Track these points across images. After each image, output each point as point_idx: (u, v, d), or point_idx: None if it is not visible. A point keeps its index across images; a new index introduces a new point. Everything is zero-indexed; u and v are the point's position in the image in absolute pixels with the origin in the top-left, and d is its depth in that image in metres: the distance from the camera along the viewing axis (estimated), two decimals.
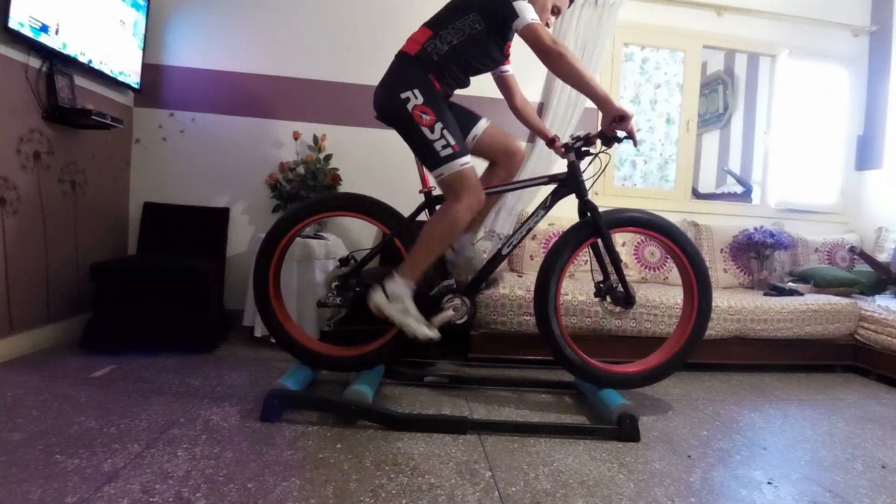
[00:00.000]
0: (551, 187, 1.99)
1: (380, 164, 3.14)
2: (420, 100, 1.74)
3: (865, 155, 3.66)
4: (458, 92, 1.93)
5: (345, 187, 3.04)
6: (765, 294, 2.91)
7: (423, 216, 1.95)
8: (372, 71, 1.92)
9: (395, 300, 1.75)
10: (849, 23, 3.59)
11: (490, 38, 1.80)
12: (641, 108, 4.67)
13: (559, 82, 3.12)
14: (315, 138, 3.04)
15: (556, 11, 1.91)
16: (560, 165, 2.00)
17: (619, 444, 1.72)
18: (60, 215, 2.45)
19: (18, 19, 1.99)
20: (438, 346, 2.51)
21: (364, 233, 3.16)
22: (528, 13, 1.69)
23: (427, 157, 1.78)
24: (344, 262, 1.97)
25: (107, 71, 2.55)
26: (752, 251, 3.25)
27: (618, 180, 4.47)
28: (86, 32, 2.38)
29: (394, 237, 1.91)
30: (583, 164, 1.96)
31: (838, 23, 3.57)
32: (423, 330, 1.76)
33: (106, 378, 2.03)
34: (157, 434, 1.57)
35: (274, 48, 3.12)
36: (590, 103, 3.14)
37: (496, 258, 1.96)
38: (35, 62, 2.21)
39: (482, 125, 1.97)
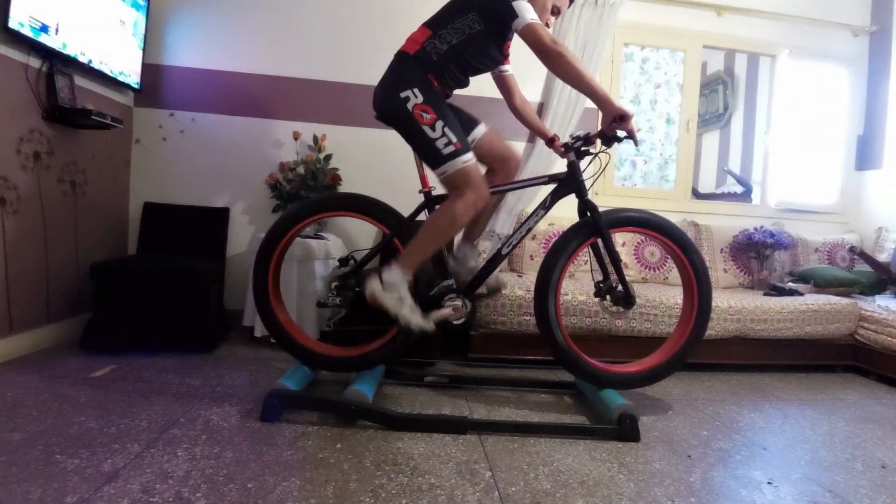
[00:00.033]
0: (551, 187, 1.99)
1: (380, 164, 3.15)
2: (420, 98, 1.74)
3: (865, 155, 3.66)
4: (457, 92, 1.93)
5: (345, 187, 3.04)
6: (765, 294, 2.91)
7: (422, 216, 1.95)
8: (372, 71, 1.92)
9: (391, 289, 1.75)
10: (849, 23, 3.59)
11: (489, 38, 1.80)
12: (641, 108, 4.67)
13: (559, 82, 3.12)
14: (315, 138, 3.04)
15: (555, 12, 1.91)
16: (560, 165, 2.00)
17: (619, 444, 1.72)
18: (60, 215, 2.45)
19: (18, 19, 1.99)
20: (439, 346, 2.53)
21: (364, 233, 3.16)
22: (528, 13, 1.69)
23: (429, 155, 1.77)
24: (343, 262, 1.97)
25: (107, 71, 2.55)
26: (752, 251, 3.25)
27: (618, 180, 4.47)
28: (86, 32, 2.38)
29: (393, 237, 1.91)
30: (582, 163, 1.96)
31: (838, 23, 3.57)
32: (417, 319, 1.76)
33: (106, 378, 2.03)
34: (157, 434, 1.57)
35: (274, 48, 3.12)
36: (590, 103, 3.14)
37: (496, 258, 1.96)
38: (35, 62, 2.21)
39: (480, 130, 1.97)
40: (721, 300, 2.62)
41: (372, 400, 1.83)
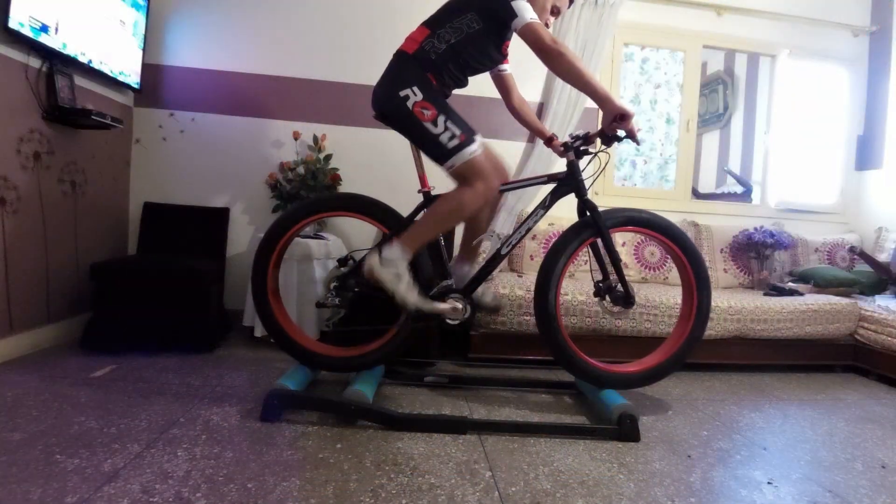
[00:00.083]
0: (551, 187, 1.99)
1: (380, 164, 3.15)
2: (419, 96, 1.73)
3: (865, 155, 3.66)
4: (456, 92, 1.93)
5: (345, 187, 3.04)
6: (765, 294, 2.91)
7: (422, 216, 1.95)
8: (372, 71, 1.92)
9: (389, 264, 1.74)
10: (849, 23, 3.60)
11: (488, 38, 1.79)
12: (641, 108, 4.67)
13: (559, 82, 3.12)
14: (315, 138, 3.04)
15: (555, 12, 1.91)
16: (560, 165, 2.00)
17: (619, 444, 1.72)
18: (60, 215, 2.45)
19: (18, 19, 1.99)
20: (438, 346, 2.53)
21: (364, 233, 3.16)
22: (527, 12, 1.68)
23: (434, 151, 1.76)
24: (342, 262, 1.97)
25: (107, 71, 2.55)
26: (752, 251, 3.25)
27: (618, 180, 4.47)
28: (86, 32, 2.38)
29: (393, 237, 1.91)
30: (582, 163, 1.96)
31: (838, 23, 3.57)
32: (414, 297, 1.76)
33: (106, 378, 2.03)
34: (157, 434, 1.57)
35: (274, 48, 3.12)
36: (590, 103, 3.14)
37: (495, 258, 1.96)
38: (35, 62, 2.21)
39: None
40: (721, 300, 2.63)
41: (372, 400, 1.82)
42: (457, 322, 1.88)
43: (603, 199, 3.33)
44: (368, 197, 1.95)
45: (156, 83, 3.04)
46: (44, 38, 2.12)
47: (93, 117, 2.33)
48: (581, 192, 1.93)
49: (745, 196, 4.11)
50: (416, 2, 2.34)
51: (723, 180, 4.88)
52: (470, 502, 1.32)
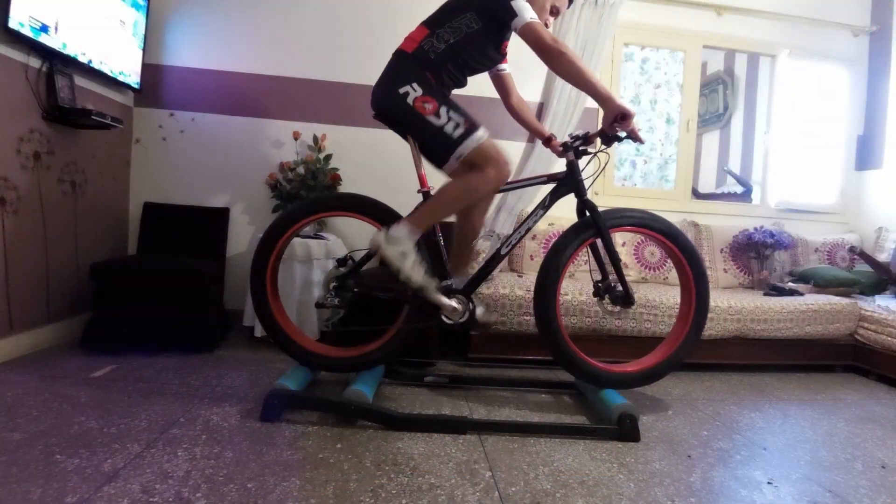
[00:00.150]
0: (551, 187, 1.99)
1: (380, 164, 3.14)
2: (419, 91, 1.73)
3: (865, 155, 3.66)
4: (455, 91, 1.93)
5: (345, 187, 3.04)
6: (765, 294, 2.91)
7: None
8: (372, 71, 1.92)
9: (396, 242, 1.74)
10: (849, 23, 3.60)
11: (487, 38, 1.79)
12: (641, 108, 4.66)
13: (559, 82, 3.12)
14: (315, 138, 3.04)
15: (554, 12, 1.91)
16: (560, 165, 2.00)
17: (619, 444, 1.72)
18: (60, 215, 2.45)
19: (18, 19, 1.99)
20: (439, 346, 2.53)
21: (364, 233, 3.16)
22: (527, 12, 1.68)
23: (441, 144, 1.74)
24: (342, 262, 1.96)
25: (107, 71, 2.55)
26: (752, 251, 3.25)
27: (618, 180, 4.47)
28: (86, 32, 2.38)
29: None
30: (582, 163, 1.96)
31: (838, 23, 3.57)
32: (419, 276, 1.75)
33: (106, 378, 2.03)
34: (157, 434, 1.57)
35: (274, 48, 3.12)
36: (590, 102, 3.16)
37: (495, 258, 1.96)
38: (35, 62, 2.21)
39: None
40: (721, 300, 2.63)
41: (372, 400, 1.83)
42: (457, 322, 1.88)
43: (603, 199, 3.33)
44: (368, 197, 1.95)
45: (156, 83, 3.04)
46: (44, 38, 2.12)
47: (93, 117, 2.33)
48: (581, 192, 1.93)
49: (745, 196, 4.11)
50: (416, 2, 2.34)
51: (723, 180, 4.88)
52: (470, 502, 1.32)
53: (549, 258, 1.94)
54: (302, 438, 1.62)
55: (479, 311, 1.91)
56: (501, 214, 3.09)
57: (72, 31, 2.28)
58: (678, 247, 1.99)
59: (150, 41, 2.94)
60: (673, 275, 3.11)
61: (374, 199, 1.94)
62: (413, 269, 1.74)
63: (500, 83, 2.07)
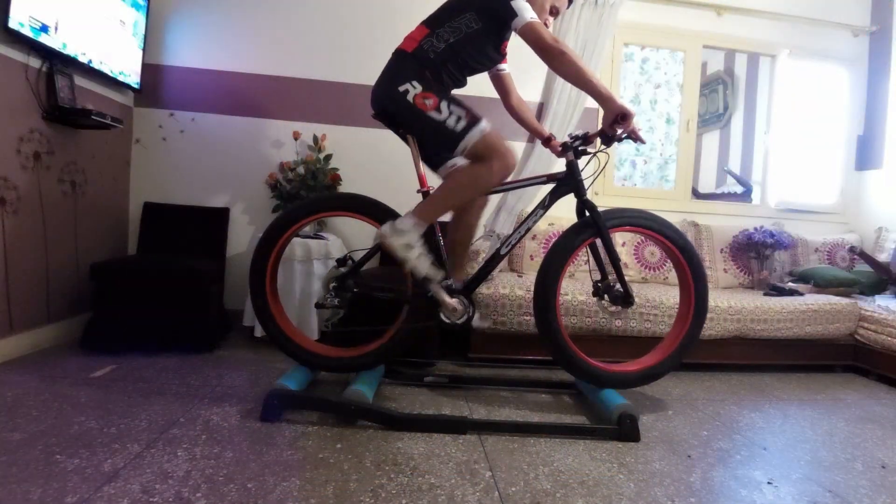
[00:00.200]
0: (551, 187, 1.99)
1: (380, 164, 3.14)
2: (419, 88, 1.73)
3: (865, 155, 3.66)
4: (455, 91, 1.93)
5: (345, 187, 3.04)
6: (765, 294, 2.91)
7: None
8: (372, 71, 1.92)
9: (401, 234, 1.74)
10: (849, 23, 3.60)
11: (487, 37, 1.79)
12: (641, 108, 4.66)
13: (559, 82, 3.12)
14: (315, 138, 3.04)
15: (554, 12, 1.91)
16: (560, 165, 2.00)
17: (619, 444, 1.72)
18: (60, 215, 2.45)
19: (18, 19, 1.99)
20: (439, 346, 2.53)
21: (364, 233, 3.16)
22: (527, 12, 1.68)
23: (443, 138, 1.73)
24: (341, 262, 1.96)
25: (107, 71, 2.55)
26: (752, 251, 3.25)
27: (618, 180, 4.46)
28: (86, 32, 2.38)
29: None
30: (581, 163, 1.96)
31: (838, 23, 3.57)
32: (425, 266, 1.76)
33: (106, 378, 2.03)
34: (157, 434, 1.57)
35: (274, 48, 3.12)
36: (590, 102, 3.16)
37: (495, 257, 1.96)
38: (35, 62, 2.21)
39: None
40: (721, 300, 2.63)
41: (372, 400, 1.83)
42: (456, 322, 1.88)
43: (603, 199, 3.33)
44: (368, 197, 1.95)
45: (156, 83, 3.04)
46: (44, 38, 2.12)
47: (93, 117, 2.33)
48: (580, 192, 1.93)
49: (745, 196, 4.11)
50: (416, 2, 2.34)
51: (723, 180, 4.88)
52: (470, 502, 1.32)
53: (548, 258, 1.94)
54: (302, 438, 1.62)
55: (475, 318, 1.92)
56: (501, 214, 3.09)
57: (72, 31, 2.28)
58: (677, 247, 1.99)
59: (150, 41, 2.94)
60: (673, 275, 3.10)
61: (373, 199, 1.94)
62: (419, 260, 1.74)
63: (500, 83, 2.07)
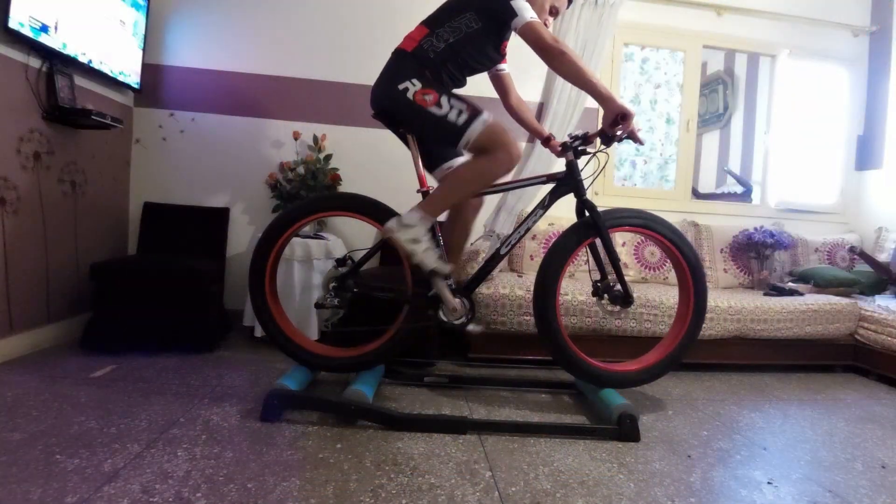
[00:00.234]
0: (551, 187, 1.98)
1: (380, 164, 3.15)
2: (419, 86, 1.73)
3: (865, 155, 3.66)
4: (454, 91, 1.93)
5: (345, 187, 3.04)
6: (765, 294, 2.91)
7: None
8: (372, 71, 1.92)
9: (407, 228, 1.74)
10: (849, 23, 3.60)
11: (487, 37, 1.79)
12: (641, 108, 4.66)
13: (559, 82, 3.12)
14: (315, 138, 3.04)
15: (553, 12, 1.91)
16: (560, 165, 2.00)
17: (619, 444, 1.72)
18: (60, 215, 2.45)
19: (18, 19, 1.99)
20: (438, 346, 2.53)
21: (364, 233, 3.16)
22: (527, 12, 1.68)
23: (446, 133, 1.73)
24: (341, 262, 1.96)
25: (107, 71, 2.55)
26: (752, 251, 3.25)
27: (618, 180, 4.47)
28: (86, 32, 2.38)
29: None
30: (581, 162, 1.96)
31: (838, 23, 3.57)
32: (432, 259, 1.76)
33: (106, 378, 2.03)
34: (157, 434, 1.57)
35: (274, 48, 3.12)
36: (590, 102, 3.16)
37: (494, 257, 1.96)
38: (35, 62, 2.21)
39: None
40: (721, 300, 2.63)
41: (372, 400, 1.83)
42: (455, 322, 1.87)
43: (603, 199, 3.33)
44: (368, 197, 1.94)
45: (156, 83, 3.04)
46: (44, 38, 2.12)
47: (93, 117, 2.33)
48: (580, 192, 1.93)
49: (745, 196, 4.11)
50: (416, 2, 2.34)
51: (723, 180, 4.88)
52: (470, 502, 1.32)
53: (548, 258, 1.94)
54: (302, 438, 1.62)
55: (470, 325, 1.91)
56: (501, 214, 3.09)
57: (72, 31, 2.28)
58: (676, 247, 1.99)
59: (150, 41, 2.94)
60: (673, 275, 3.10)
61: (373, 199, 1.94)
62: (426, 253, 1.75)
63: (500, 83, 2.07)
